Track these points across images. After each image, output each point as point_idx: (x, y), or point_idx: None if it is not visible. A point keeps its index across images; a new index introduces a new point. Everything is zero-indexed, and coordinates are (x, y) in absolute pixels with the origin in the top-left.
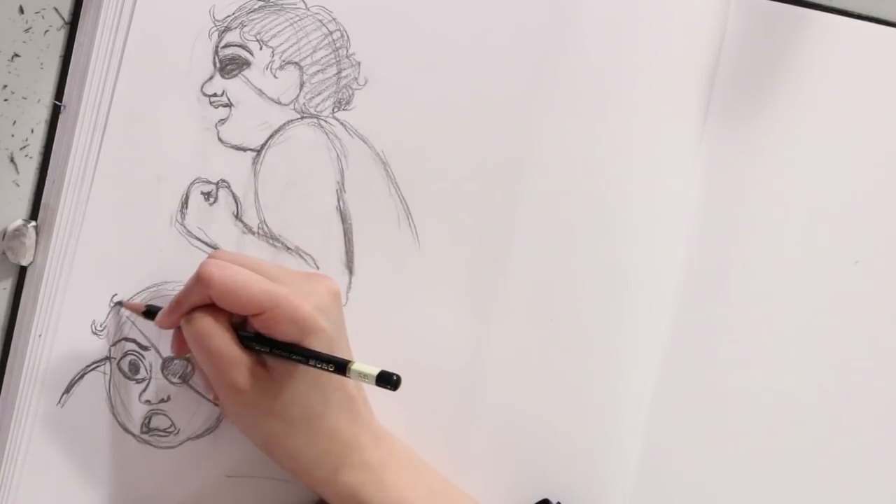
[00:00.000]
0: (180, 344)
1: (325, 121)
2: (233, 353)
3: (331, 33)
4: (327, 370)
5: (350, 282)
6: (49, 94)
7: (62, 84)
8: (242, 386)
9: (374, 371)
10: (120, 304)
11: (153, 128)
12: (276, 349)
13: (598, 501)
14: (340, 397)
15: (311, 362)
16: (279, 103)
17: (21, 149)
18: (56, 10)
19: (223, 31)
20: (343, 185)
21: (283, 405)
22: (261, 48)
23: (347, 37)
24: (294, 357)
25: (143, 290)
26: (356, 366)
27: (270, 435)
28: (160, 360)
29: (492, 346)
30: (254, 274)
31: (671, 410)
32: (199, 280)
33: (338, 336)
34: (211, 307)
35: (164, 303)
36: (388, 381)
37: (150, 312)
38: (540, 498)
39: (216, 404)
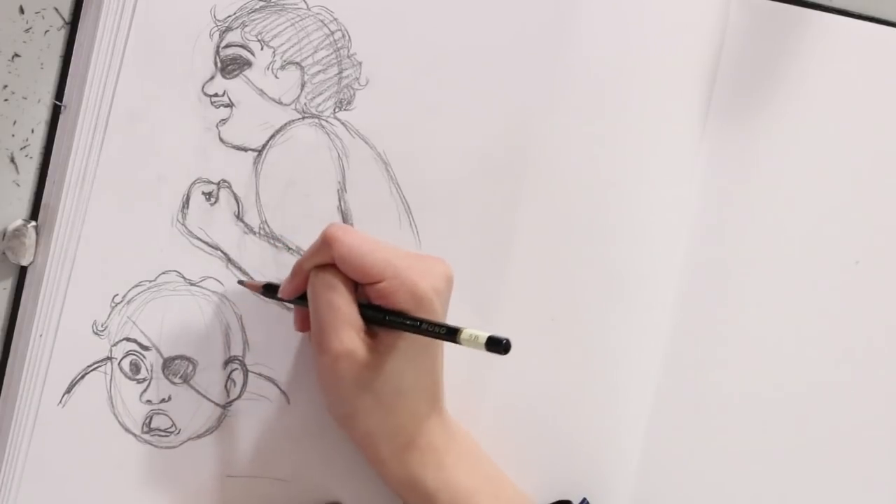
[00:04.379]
0: (303, 320)
1: (327, 121)
2: (350, 311)
3: (332, 33)
4: (438, 334)
5: None
6: (49, 94)
7: (62, 84)
8: (349, 347)
9: (485, 335)
10: (242, 283)
11: (154, 128)
12: (390, 316)
13: (598, 501)
14: (428, 381)
15: (424, 326)
16: (280, 103)
17: (21, 149)
18: (56, 10)
19: (224, 31)
20: (344, 185)
21: (379, 378)
22: (262, 48)
23: (349, 37)
24: (407, 322)
25: (142, 290)
26: (468, 330)
27: (356, 409)
28: (161, 360)
29: None
30: (377, 241)
31: (672, 410)
32: (325, 240)
33: (443, 320)
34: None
35: (155, 307)
36: (497, 344)
37: (269, 288)
38: (545, 498)
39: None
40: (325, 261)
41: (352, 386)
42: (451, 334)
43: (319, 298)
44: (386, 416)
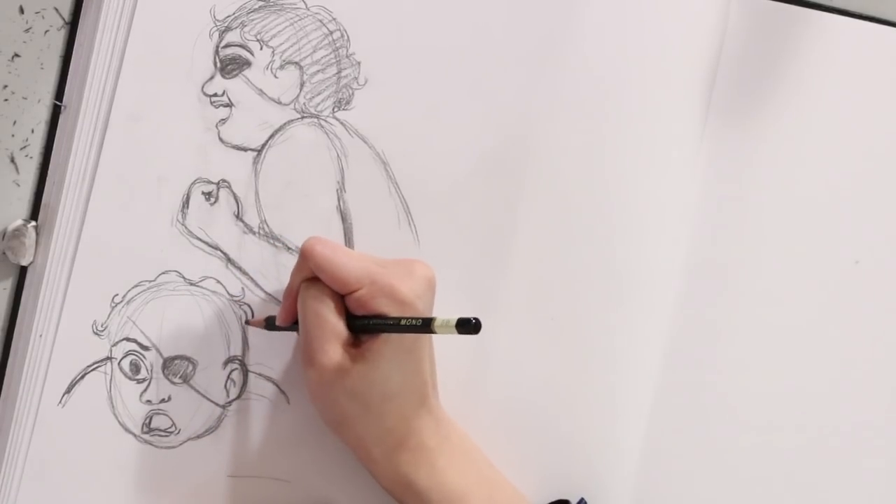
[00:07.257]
0: None
1: (326, 120)
2: (336, 323)
3: (331, 33)
4: (415, 328)
5: None
6: (49, 94)
7: (62, 84)
8: (336, 361)
9: (455, 318)
10: (248, 323)
11: (154, 128)
12: (370, 321)
13: (596, 501)
14: (416, 382)
15: (403, 323)
16: (279, 103)
17: (21, 149)
18: (56, 10)
19: (224, 31)
20: (343, 184)
21: (366, 386)
22: (261, 48)
23: (347, 36)
24: (389, 323)
25: (142, 290)
26: (440, 317)
27: (345, 416)
28: (161, 360)
29: (492, 346)
30: (353, 251)
31: (671, 410)
32: (302, 254)
33: None
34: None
35: (155, 307)
36: (467, 324)
37: (271, 321)
38: (544, 498)
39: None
40: (307, 275)
41: (339, 395)
42: (426, 325)
43: (307, 310)
44: (375, 421)
